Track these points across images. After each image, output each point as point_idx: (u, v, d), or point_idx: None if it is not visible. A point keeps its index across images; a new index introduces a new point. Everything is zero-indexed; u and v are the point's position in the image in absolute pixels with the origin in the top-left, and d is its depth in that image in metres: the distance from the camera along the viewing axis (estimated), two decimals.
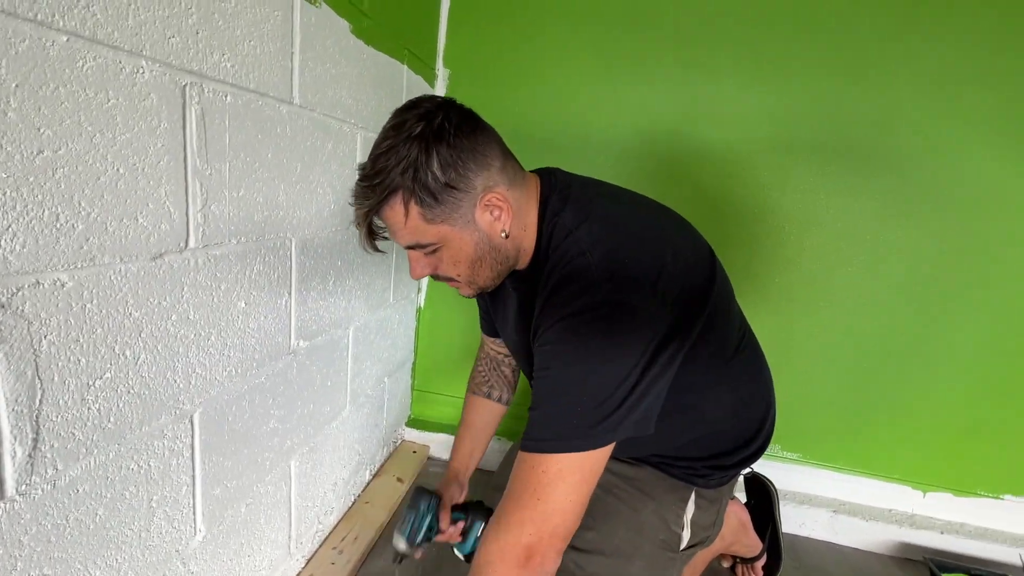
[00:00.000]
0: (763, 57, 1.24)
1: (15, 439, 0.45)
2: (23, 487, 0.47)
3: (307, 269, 0.89)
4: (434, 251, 0.67)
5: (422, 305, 1.54)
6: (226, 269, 0.69)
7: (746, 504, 1.22)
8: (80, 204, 0.48)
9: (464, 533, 0.91)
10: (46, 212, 0.45)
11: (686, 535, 0.86)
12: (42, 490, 0.48)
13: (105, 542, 0.56)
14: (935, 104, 1.19)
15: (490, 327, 1.01)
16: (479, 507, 0.93)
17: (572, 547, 0.87)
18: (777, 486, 1.19)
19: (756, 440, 0.86)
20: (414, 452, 1.51)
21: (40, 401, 0.47)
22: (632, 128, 1.33)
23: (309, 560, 1.05)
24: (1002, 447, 1.31)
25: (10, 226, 0.43)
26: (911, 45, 1.18)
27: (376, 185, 0.61)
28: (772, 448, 1.42)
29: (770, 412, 0.88)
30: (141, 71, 0.52)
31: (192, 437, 0.67)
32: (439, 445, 1.55)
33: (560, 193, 0.72)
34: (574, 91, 1.34)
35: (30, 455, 0.47)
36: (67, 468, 0.51)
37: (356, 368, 1.14)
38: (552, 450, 0.63)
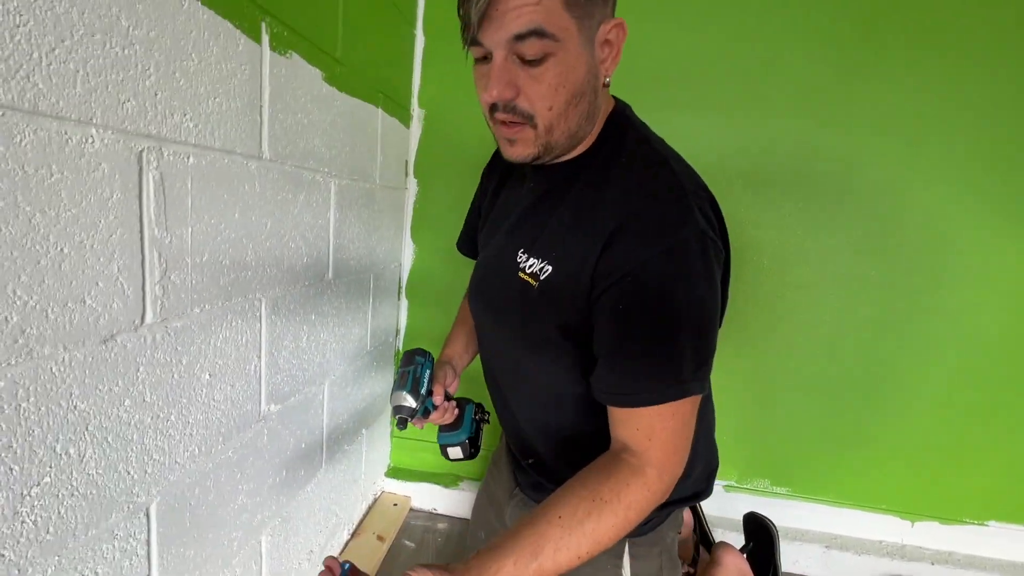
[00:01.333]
0: (735, 95, 1.26)
1: None
2: None
3: (278, 329, 0.83)
4: (541, 60, 0.52)
5: (400, 348, 1.48)
6: (188, 341, 0.63)
7: (744, 547, 1.19)
8: (15, 293, 0.42)
9: (458, 420, 0.84)
10: None
11: None
12: None
13: None
14: (895, 144, 1.23)
15: (470, 243, 0.89)
16: (463, 399, 0.87)
17: None
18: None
19: (688, 485, 0.78)
20: (395, 505, 1.43)
21: None
22: None
23: None
24: (983, 473, 1.33)
25: None
26: (871, 88, 1.22)
27: None
28: (761, 483, 1.40)
29: (713, 462, 0.82)
30: (90, 140, 0.47)
31: (148, 532, 0.60)
32: (422, 495, 1.48)
33: (631, 113, 0.65)
34: None
35: None
36: None
37: (332, 424, 1.08)
38: (697, 391, 0.55)
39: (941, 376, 1.30)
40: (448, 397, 0.83)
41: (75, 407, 0.49)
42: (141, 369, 0.56)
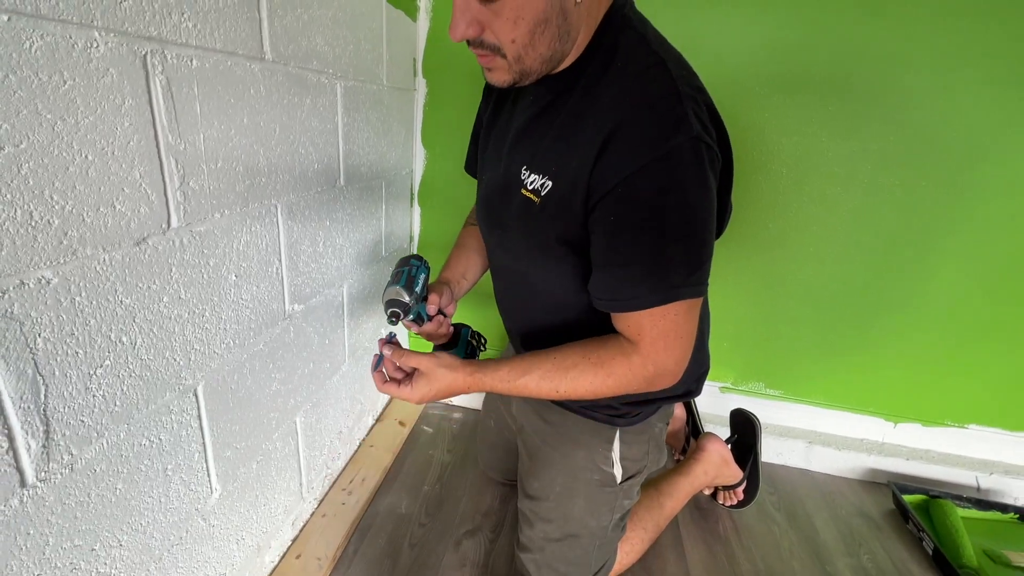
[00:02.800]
0: None
1: (27, 434, 0.47)
2: (42, 474, 0.49)
3: (295, 234, 0.87)
4: None
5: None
6: (212, 245, 0.68)
7: (729, 438, 1.30)
8: (52, 198, 0.46)
9: (453, 338, 0.90)
10: (18, 212, 0.43)
11: (618, 471, 0.90)
12: (61, 475, 0.51)
13: (128, 511, 0.60)
14: (942, 45, 1.12)
15: (475, 164, 0.90)
16: (461, 325, 0.93)
17: (526, 495, 0.94)
18: (760, 421, 1.27)
19: (678, 385, 0.82)
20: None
21: (45, 396, 0.48)
22: None
23: (321, 502, 1.14)
24: (972, 383, 1.38)
25: None
26: None
27: None
28: (756, 386, 1.49)
29: (704, 365, 0.89)
30: (95, 44, 0.48)
31: (198, 408, 0.70)
32: None
33: (631, 9, 0.61)
34: None
35: (44, 446, 0.49)
36: (81, 452, 0.53)
37: (353, 324, 1.16)
38: (688, 295, 0.59)
39: (949, 289, 1.31)
40: (443, 315, 0.87)
41: (121, 302, 0.55)
42: (174, 270, 0.62)
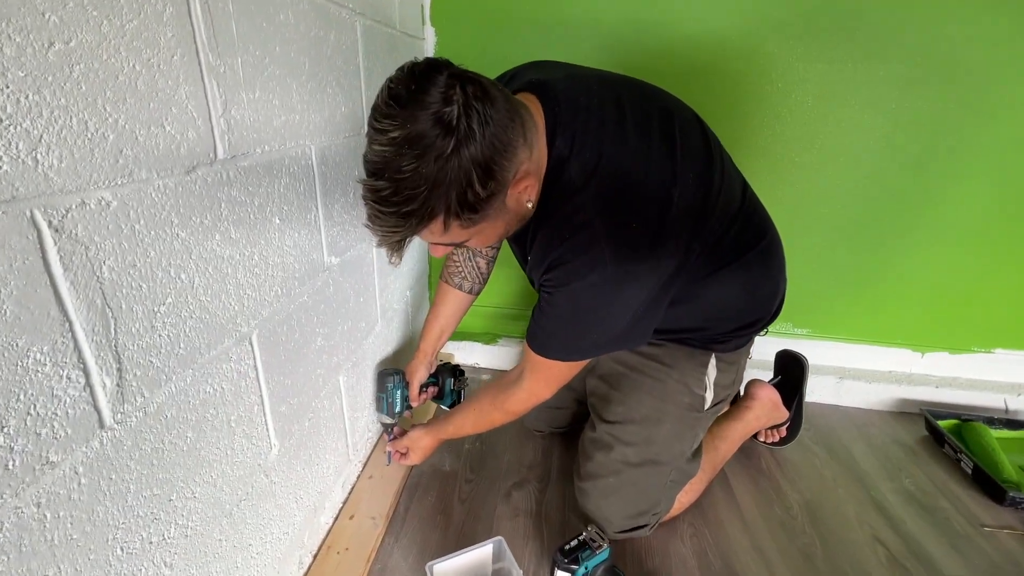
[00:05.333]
0: None
1: (101, 370, 0.43)
2: (119, 416, 0.46)
3: (329, 180, 0.83)
4: (463, 241, 0.66)
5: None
6: (256, 183, 0.63)
7: (774, 379, 1.30)
8: (105, 109, 0.42)
9: (440, 392, 1.15)
10: (74, 120, 0.39)
11: (709, 395, 0.94)
12: (136, 418, 0.48)
13: (199, 461, 0.57)
14: None
15: None
16: (445, 368, 1.16)
17: (605, 421, 0.95)
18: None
19: (767, 314, 0.92)
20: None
21: (115, 330, 0.44)
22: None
23: (365, 464, 1.11)
24: (998, 307, 1.39)
25: (41, 136, 0.37)
26: None
27: (409, 213, 0.56)
28: (783, 326, 1.49)
29: (780, 288, 0.93)
30: None
31: (254, 358, 0.66)
32: (463, 352, 1.59)
33: (564, 128, 0.68)
34: None
35: (118, 384, 0.45)
36: (153, 395, 0.50)
37: (382, 284, 1.12)
38: (554, 357, 0.78)
39: (974, 213, 1.31)
40: (424, 387, 1.11)
41: (177, 235, 0.51)
42: (223, 206, 0.57)
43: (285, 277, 0.72)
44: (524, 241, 0.77)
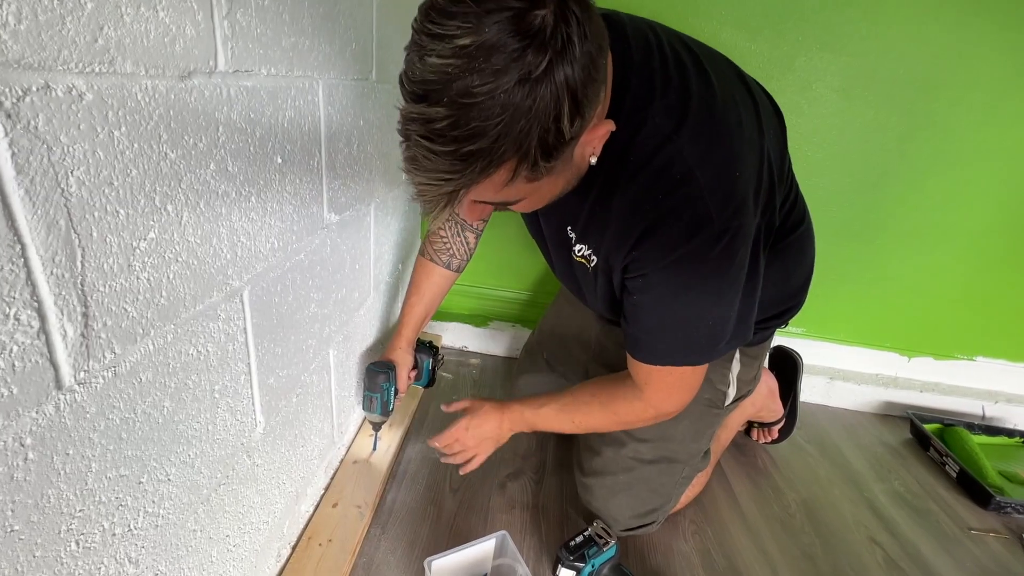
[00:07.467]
0: None
1: (62, 313, 0.33)
2: (81, 375, 0.36)
3: (334, 124, 0.73)
4: (516, 202, 0.53)
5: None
6: (259, 110, 0.53)
7: None
8: None
9: (419, 373, 1.05)
10: None
11: (732, 391, 0.89)
12: (103, 379, 0.38)
13: (176, 437, 0.47)
14: None
15: None
16: (424, 348, 1.06)
17: None
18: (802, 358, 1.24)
19: (798, 304, 0.89)
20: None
21: (82, 263, 0.34)
22: None
23: (349, 448, 1.02)
24: (982, 315, 1.41)
25: None
26: None
27: (472, 155, 0.40)
28: None
29: (810, 278, 0.89)
30: None
31: (244, 319, 0.56)
32: (452, 334, 1.50)
33: (641, 72, 0.55)
34: None
35: (83, 335, 0.35)
36: (125, 352, 0.39)
37: (378, 251, 1.02)
38: (668, 363, 0.66)
39: (969, 223, 1.31)
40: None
41: (166, 155, 0.41)
42: (221, 129, 0.47)
43: (283, 229, 0.62)
44: (570, 214, 0.65)
